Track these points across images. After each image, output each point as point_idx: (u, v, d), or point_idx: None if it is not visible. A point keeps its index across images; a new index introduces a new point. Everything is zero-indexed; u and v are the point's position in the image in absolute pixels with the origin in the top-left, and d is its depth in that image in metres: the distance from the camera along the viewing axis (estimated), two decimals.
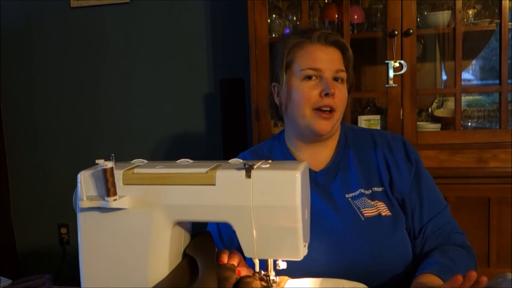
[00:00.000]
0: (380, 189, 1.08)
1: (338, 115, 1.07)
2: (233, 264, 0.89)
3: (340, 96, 1.07)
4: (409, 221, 1.07)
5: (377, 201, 1.06)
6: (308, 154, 1.13)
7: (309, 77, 1.06)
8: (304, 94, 1.06)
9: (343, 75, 1.08)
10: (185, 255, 0.86)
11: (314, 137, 1.10)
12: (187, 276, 0.82)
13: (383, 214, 1.05)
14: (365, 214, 1.04)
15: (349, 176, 1.09)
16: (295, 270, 0.88)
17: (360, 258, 1.01)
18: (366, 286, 0.90)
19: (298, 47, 1.08)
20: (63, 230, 2.56)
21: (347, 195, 1.07)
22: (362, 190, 1.07)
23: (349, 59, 1.11)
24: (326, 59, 1.06)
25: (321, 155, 1.13)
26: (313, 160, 1.12)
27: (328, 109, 1.05)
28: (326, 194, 1.08)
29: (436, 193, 1.11)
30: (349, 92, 1.13)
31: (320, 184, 1.09)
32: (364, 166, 1.10)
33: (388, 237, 1.03)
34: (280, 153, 1.16)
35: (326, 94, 1.04)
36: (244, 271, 0.92)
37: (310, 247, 0.83)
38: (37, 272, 1.06)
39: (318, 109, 1.05)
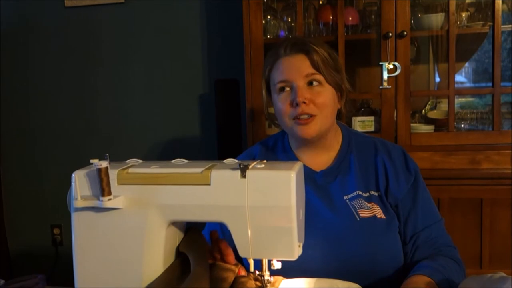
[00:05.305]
0: (376, 193, 1.10)
1: (321, 119, 1.07)
2: (234, 265, 0.89)
3: (320, 99, 1.06)
4: (401, 226, 1.09)
5: (373, 204, 1.08)
6: (310, 155, 1.15)
7: (282, 89, 1.09)
8: (280, 107, 1.09)
9: (318, 77, 1.07)
10: (178, 253, 0.86)
11: (306, 142, 1.11)
12: (180, 274, 0.82)
13: (378, 216, 1.06)
14: (361, 215, 1.06)
15: (348, 178, 1.11)
16: (289, 268, 0.88)
17: (353, 257, 1.02)
18: (359, 286, 0.90)
19: (272, 63, 1.11)
20: (56, 231, 2.54)
21: (345, 197, 1.09)
22: (360, 192, 1.09)
23: (323, 60, 1.07)
24: (293, 68, 1.07)
25: (323, 157, 1.15)
26: (315, 160, 1.14)
27: (305, 116, 1.06)
28: (324, 194, 1.09)
29: (432, 205, 1.12)
30: (341, 91, 1.12)
31: (320, 185, 1.11)
32: (363, 170, 1.12)
33: (382, 239, 1.05)
34: (282, 151, 1.18)
35: (296, 104, 1.05)
36: (243, 272, 0.92)
37: (305, 245, 0.83)
38: (30, 273, 1.05)
39: (296, 118, 1.07)
